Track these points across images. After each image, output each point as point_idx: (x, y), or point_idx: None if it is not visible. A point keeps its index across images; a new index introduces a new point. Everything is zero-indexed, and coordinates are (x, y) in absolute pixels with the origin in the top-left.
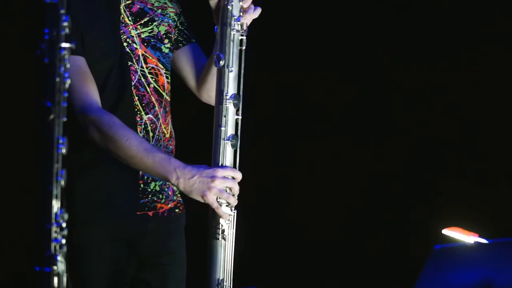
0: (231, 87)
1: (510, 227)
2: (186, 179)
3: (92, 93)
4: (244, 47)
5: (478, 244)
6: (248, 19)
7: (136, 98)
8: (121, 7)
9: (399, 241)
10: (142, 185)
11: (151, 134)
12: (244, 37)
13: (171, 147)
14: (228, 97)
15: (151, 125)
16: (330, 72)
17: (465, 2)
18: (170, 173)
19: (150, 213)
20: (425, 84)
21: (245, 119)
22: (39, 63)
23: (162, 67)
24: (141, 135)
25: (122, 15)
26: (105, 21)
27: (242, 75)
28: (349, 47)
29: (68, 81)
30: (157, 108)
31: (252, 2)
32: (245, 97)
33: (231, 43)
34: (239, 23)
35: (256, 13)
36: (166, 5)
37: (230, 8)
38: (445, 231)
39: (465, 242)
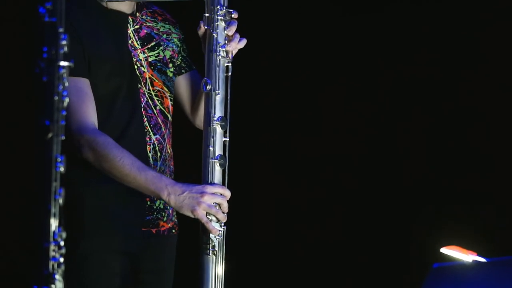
0: (218, 110)
1: (508, 245)
2: (176, 195)
3: (90, 114)
4: (230, 73)
5: (476, 262)
6: (233, 47)
7: (145, 119)
8: (130, 31)
9: (397, 260)
10: (148, 202)
11: (159, 154)
12: (230, 64)
13: (172, 167)
14: (215, 119)
15: (159, 145)
16: (316, 93)
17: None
18: (162, 190)
19: (153, 230)
20: (428, 96)
21: (233, 140)
22: (37, 81)
23: (167, 90)
24: (150, 154)
25: (131, 39)
26: (111, 43)
27: (228, 100)
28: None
29: (67, 100)
30: (163, 129)
31: (237, 32)
32: (232, 119)
33: (217, 68)
34: (224, 49)
35: (241, 43)
36: (170, 31)
37: (216, 36)
38: (444, 250)
39: (463, 261)
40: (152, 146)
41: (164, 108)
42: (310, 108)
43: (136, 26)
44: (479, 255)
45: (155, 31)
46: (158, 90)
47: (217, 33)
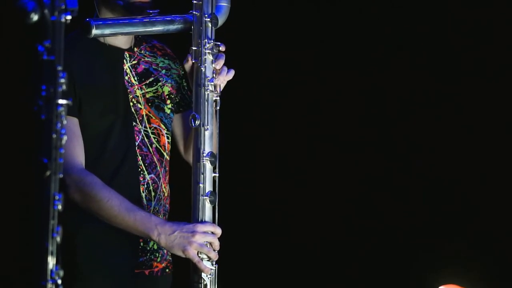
0: (207, 145)
1: (505, 285)
2: (167, 235)
3: (77, 154)
4: (218, 107)
5: None
6: (221, 80)
7: (140, 158)
8: (127, 67)
9: None
10: (142, 243)
11: (153, 193)
12: (218, 98)
13: (167, 206)
14: (204, 155)
15: (153, 184)
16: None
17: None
18: (152, 230)
19: (147, 272)
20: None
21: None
22: (36, 119)
23: (164, 128)
24: (143, 194)
25: (128, 75)
26: (106, 79)
27: (218, 134)
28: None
29: (65, 138)
30: (158, 168)
31: (225, 64)
32: (221, 152)
33: (206, 103)
34: (212, 83)
35: (229, 75)
36: (170, 66)
37: (203, 70)
38: None
39: None
40: (146, 186)
41: (160, 146)
42: (302, 143)
43: (134, 62)
44: None
45: (153, 66)
46: (155, 128)
47: (205, 67)
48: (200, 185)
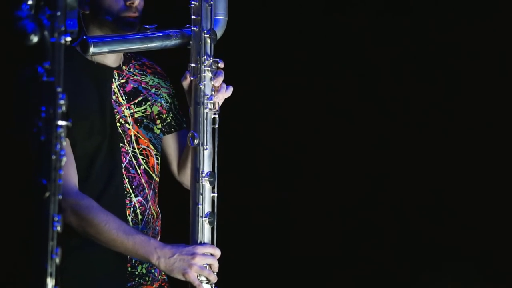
0: (206, 165)
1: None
2: (166, 258)
3: (71, 176)
4: (217, 125)
5: None
6: (220, 98)
7: (126, 180)
8: (115, 86)
9: None
10: (129, 269)
11: (140, 217)
12: (217, 116)
13: (157, 228)
14: (204, 175)
15: (141, 207)
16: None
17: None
18: (151, 254)
19: None
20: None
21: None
22: (35, 140)
23: (153, 148)
24: (129, 218)
25: (116, 94)
26: (93, 99)
27: (216, 153)
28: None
29: (64, 159)
30: (146, 190)
31: (224, 81)
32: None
33: (205, 121)
34: (211, 101)
35: (228, 92)
36: (160, 85)
37: (202, 87)
38: None
39: None
40: (132, 209)
41: (149, 168)
42: (303, 162)
43: (122, 81)
44: None
45: (143, 85)
46: (144, 148)
47: (204, 84)
48: (199, 206)
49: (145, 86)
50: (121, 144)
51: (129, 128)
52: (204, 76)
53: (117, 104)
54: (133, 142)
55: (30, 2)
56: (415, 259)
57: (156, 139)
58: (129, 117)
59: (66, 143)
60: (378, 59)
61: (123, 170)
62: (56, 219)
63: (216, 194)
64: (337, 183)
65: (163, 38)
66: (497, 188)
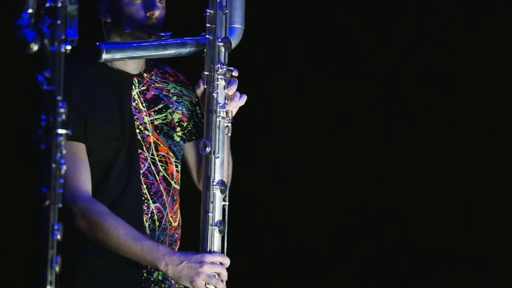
0: (217, 174)
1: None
2: (174, 265)
3: (84, 181)
4: (230, 134)
5: None
6: (233, 106)
7: (145, 186)
8: (135, 93)
9: None
10: (145, 274)
11: (157, 223)
12: (230, 124)
13: (176, 235)
14: (215, 183)
15: (158, 214)
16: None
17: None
18: (159, 260)
19: None
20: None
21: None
22: (35, 149)
23: (173, 156)
24: (147, 224)
25: (136, 101)
26: (111, 105)
27: (229, 161)
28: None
29: (64, 168)
30: (164, 197)
31: (238, 90)
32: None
33: (217, 129)
34: (224, 110)
35: (241, 100)
36: (182, 93)
37: (216, 96)
38: None
39: None
40: (149, 215)
41: (168, 175)
42: (316, 170)
43: (143, 88)
44: None
45: (164, 93)
46: (163, 155)
47: (217, 92)
48: (210, 214)
49: (166, 93)
50: (139, 151)
51: (148, 135)
52: (217, 84)
53: (137, 110)
54: (152, 149)
55: (30, 11)
56: (415, 259)
57: (176, 147)
58: (148, 124)
59: (81, 148)
60: (378, 59)
61: (141, 176)
62: (56, 227)
63: (227, 203)
64: (355, 192)
65: (177, 45)
66: (497, 188)
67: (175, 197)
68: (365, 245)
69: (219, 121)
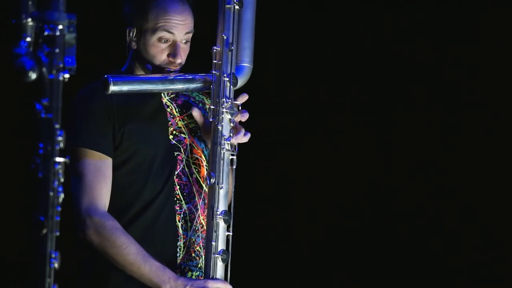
0: (221, 204)
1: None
2: None
3: (102, 196)
4: (234, 166)
5: None
6: (238, 140)
7: (178, 187)
8: (166, 100)
9: None
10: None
11: (189, 224)
12: (235, 157)
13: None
14: (218, 213)
15: (190, 215)
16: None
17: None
18: (164, 283)
19: None
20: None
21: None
22: (33, 177)
23: (204, 159)
24: (179, 224)
25: (170, 107)
26: (147, 111)
27: (232, 192)
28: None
29: (62, 196)
30: (196, 199)
31: (244, 126)
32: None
33: (222, 161)
34: (229, 142)
35: (245, 138)
36: (204, 101)
37: (221, 129)
38: None
39: None
40: (182, 216)
41: (200, 177)
42: (317, 202)
43: (172, 95)
44: None
45: (192, 99)
46: (196, 158)
47: (222, 125)
48: (213, 243)
49: (194, 100)
50: (177, 153)
51: (185, 137)
52: (222, 117)
53: (171, 116)
54: (188, 151)
55: (28, 39)
56: (414, 259)
57: (207, 150)
58: (183, 127)
59: (107, 163)
60: (378, 59)
61: (175, 177)
62: (53, 255)
63: (231, 233)
64: (355, 192)
65: (185, 81)
66: (497, 188)
67: (206, 200)
68: (365, 245)
69: (224, 153)
